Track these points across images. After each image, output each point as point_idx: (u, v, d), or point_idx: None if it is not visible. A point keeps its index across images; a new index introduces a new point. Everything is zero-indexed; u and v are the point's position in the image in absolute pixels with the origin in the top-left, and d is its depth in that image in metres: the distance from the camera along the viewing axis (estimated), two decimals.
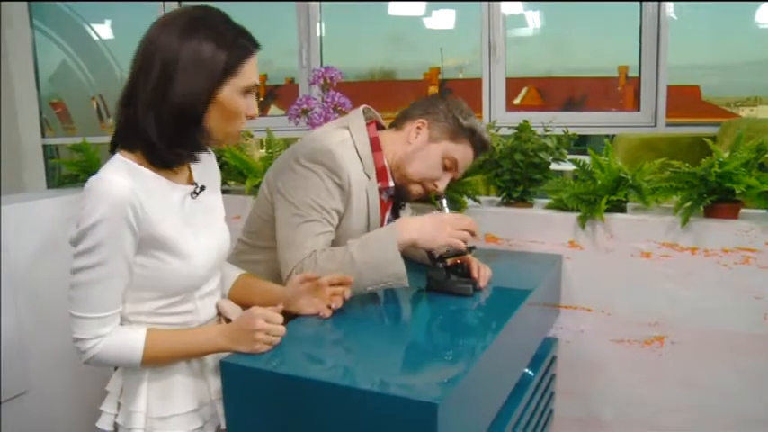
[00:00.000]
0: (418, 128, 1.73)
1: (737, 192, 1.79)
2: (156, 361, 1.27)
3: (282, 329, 1.28)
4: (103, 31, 4.37)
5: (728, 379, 1.92)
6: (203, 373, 1.36)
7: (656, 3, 3.12)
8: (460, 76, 6.28)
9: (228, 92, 1.22)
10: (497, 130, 2.16)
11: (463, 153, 1.74)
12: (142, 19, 3.76)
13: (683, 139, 3.00)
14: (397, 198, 1.81)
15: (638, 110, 3.25)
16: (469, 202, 2.15)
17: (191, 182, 1.34)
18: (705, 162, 1.87)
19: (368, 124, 1.74)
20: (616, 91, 4.91)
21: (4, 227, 2.24)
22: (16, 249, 2.30)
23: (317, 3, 3.58)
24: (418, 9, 5.12)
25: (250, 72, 1.25)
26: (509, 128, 2.18)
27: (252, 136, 2.63)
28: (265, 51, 3.65)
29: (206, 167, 1.39)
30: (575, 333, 2.05)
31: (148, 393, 1.30)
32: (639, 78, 3.30)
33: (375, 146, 1.71)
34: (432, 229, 1.56)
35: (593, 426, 2.09)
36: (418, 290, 1.69)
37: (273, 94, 5.93)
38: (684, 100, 6.18)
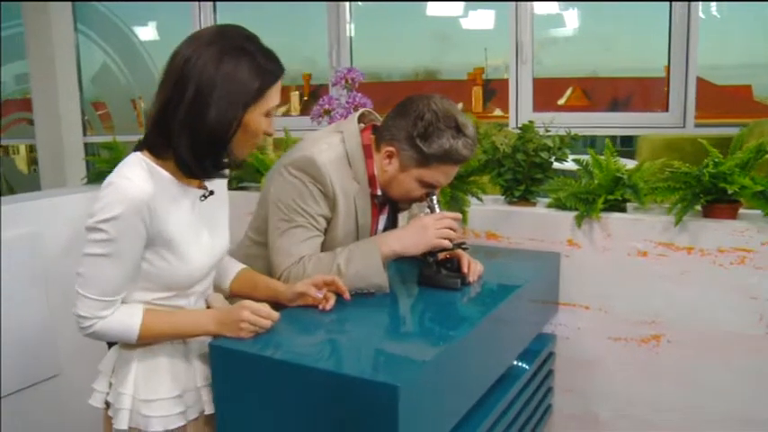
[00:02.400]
0: (388, 155, 1.73)
1: (730, 192, 1.85)
2: (151, 339, 1.42)
3: (267, 323, 1.40)
4: (143, 33, 4.62)
5: (724, 379, 1.98)
6: (189, 361, 1.48)
7: (685, 3, 3.14)
8: (506, 76, 6.35)
9: (254, 115, 1.33)
10: (500, 130, 2.25)
11: (439, 174, 1.73)
12: (180, 21, 3.99)
13: (707, 140, 3.03)
14: (393, 204, 1.88)
15: (667, 110, 3.29)
16: (473, 200, 2.25)
17: (200, 186, 1.46)
18: (704, 162, 1.93)
19: (364, 129, 1.80)
20: (662, 91, 4.91)
21: (38, 219, 2.46)
22: (50, 240, 2.52)
23: (347, 3, 3.71)
24: (456, 9, 5.21)
25: (275, 96, 1.36)
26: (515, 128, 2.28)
27: (271, 135, 2.77)
28: (310, 50, 3.79)
29: None
30: (573, 330, 2.14)
31: (136, 377, 1.43)
32: (668, 79, 3.34)
33: (368, 153, 1.77)
34: (413, 236, 1.69)
35: (591, 422, 2.17)
36: (410, 283, 1.81)
37: (317, 94, 6.10)
38: (735, 100, 6.10)
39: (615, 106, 5.49)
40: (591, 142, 7.13)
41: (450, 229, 1.70)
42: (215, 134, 1.30)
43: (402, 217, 1.95)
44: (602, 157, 2.08)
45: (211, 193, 1.47)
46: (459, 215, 1.82)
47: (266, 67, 1.33)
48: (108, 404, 1.47)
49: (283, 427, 1.34)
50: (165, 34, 4.62)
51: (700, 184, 1.93)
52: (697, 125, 3.24)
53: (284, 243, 1.72)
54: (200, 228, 1.45)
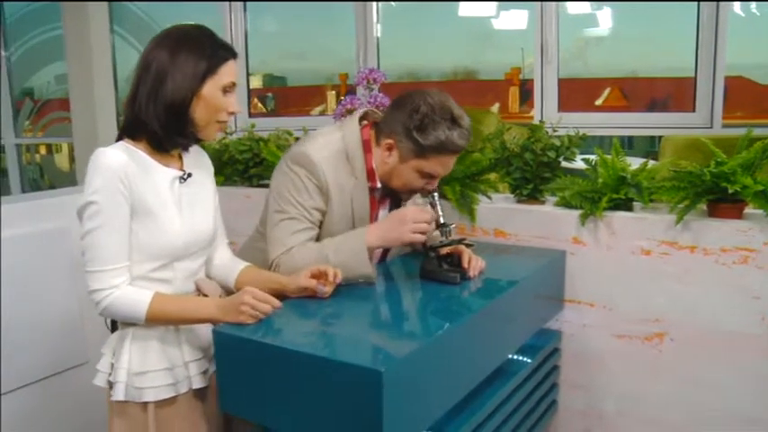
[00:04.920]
0: (388, 148, 1.84)
1: (731, 191, 1.89)
2: (158, 320, 1.56)
3: (267, 308, 1.54)
4: None
5: (727, 378, 2.03)
6: (178, 341, 1.64)
7: (713, 3, 3.16)
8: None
9: (210, 90, 1.54)
10: (509, 129, 2.33)
11: (437, 164, 1.83)
12: (214, 23, 4.15)
13: (730, 140, 3.05)
14: (393, 196, 1.98)
15: (694, 110, 3.31)
16: (482, 198, 2.33)
17: (181, 169, 1.64)
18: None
19: (365, 126, 1.92)
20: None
21: (67, 213, 2.62)
22: (77, 234, 2.67)
23: (374, 3, 3.80)
24: (489, 10, 5.27)
25: (227, 73, 1.56)
26: (522, 127, 2.35)
27: (291, 134, 2.91)
28: (348, 50, 3.87)
29: (198, 162, 1.71)
30: (578, 327, 2.21)
31: (130, 352, 1.59)
32: (696, 79, 3.36)
33: (367, 148, 1.89)
34: (391, 230, 1.81)
35: (595, 419, 2.24)
36: (411, 277, 1.91)
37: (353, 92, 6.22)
38: None
39: (654, 107, 5.48)
40: (628, 142, 7.11)
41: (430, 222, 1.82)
42: (174, 104, 1.51)
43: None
44: (609, 157, 2.14)
45: (189, 175, 1.63)
46: (434, 214, 1.87)
47: (214, 49, 1.54)
48: (111, 384, 1.61)
49: (279, 406, 1.45)
50: None
51: (703, 183, 1.98)
52: (725, 125, 3.25)
53: (277, 233, 1.85)
54: (180, 206, 1.60)
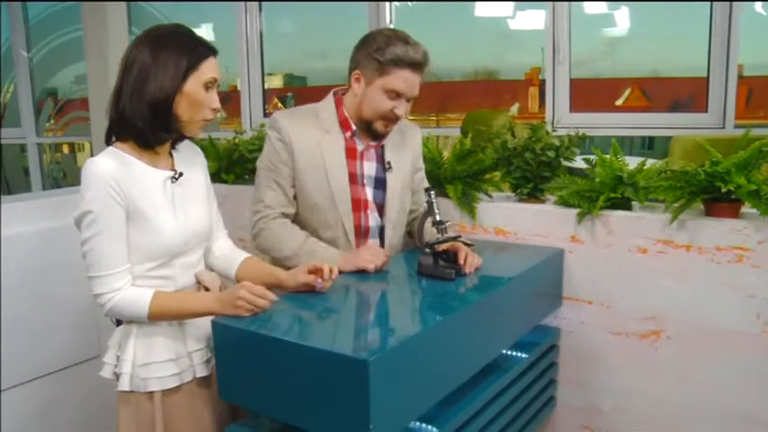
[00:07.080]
0: (356, 79, 2.07)
1: (724, 190, 1.94)
2: (160, 317, 1.66)
3: (263, 302, 1.63)
4: None
5: (722, 376, 2.08)
6: (182, 332, 1.73)
7: (726, 3, 3.19)
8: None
9: (192, 85, 1.61)
10: (509, 129, 2.40)
11: (400, 79, 2.01)
12: (230, 23, 4.26)
13: (740, 141, 3.08)
14: (376, 138, 2.13)
15: (706, 111, 3.35)
16: (483, 197, 2.41)
17: (173, 169, 1.73)
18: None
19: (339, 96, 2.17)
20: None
21: None
22: None
23: (387, 3, 3.87)
24: (506, 10, 5.31)
25: (208, 69, 1.63)
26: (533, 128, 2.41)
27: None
28: None
29: (190, 158, 1.80)
30: (576, 324, 2.28)
31: (135, 345, 1.69)
32: (708, 79, 3.40)
33: (338, 103, 2.14)
34: (355, 255, 2.01)
35: (595, 415, 2.30)
36: (409, 273, 1.99)
37: None
38: None
39: (676, 107, 5.49)
40: (649, 143, 7.08)
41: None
42: (157, 100, 1.59)
43: (390, 175, 2.16)
44: (608, 156, 2.20)
45: (181, 174, 1.71)
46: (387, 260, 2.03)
47: (195, 46, 1.62)
48: (117, 375, 1.71)
49: (273, 394, 1.54)
50: (214, 36, 4.90)
51: (698, 182, 2.03)
52: (746, 125, 3.28)
53: (255, 192, 2.13)
54: (174, 206, 1.69)
